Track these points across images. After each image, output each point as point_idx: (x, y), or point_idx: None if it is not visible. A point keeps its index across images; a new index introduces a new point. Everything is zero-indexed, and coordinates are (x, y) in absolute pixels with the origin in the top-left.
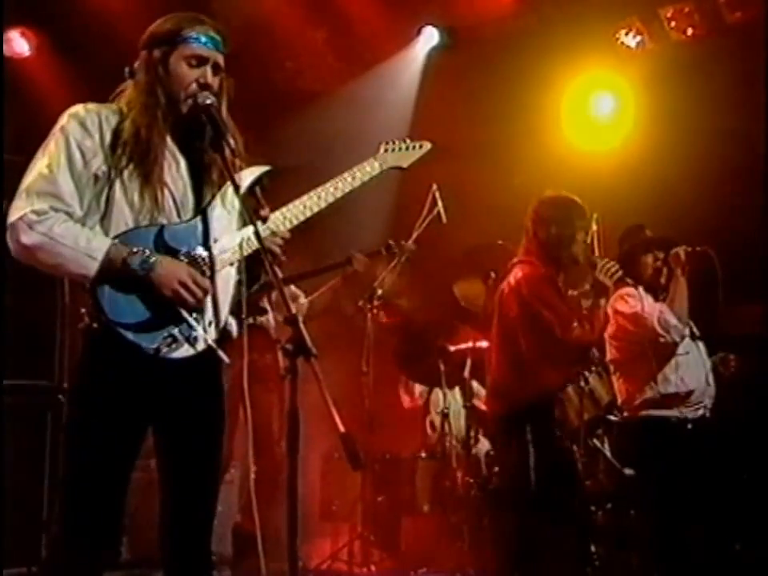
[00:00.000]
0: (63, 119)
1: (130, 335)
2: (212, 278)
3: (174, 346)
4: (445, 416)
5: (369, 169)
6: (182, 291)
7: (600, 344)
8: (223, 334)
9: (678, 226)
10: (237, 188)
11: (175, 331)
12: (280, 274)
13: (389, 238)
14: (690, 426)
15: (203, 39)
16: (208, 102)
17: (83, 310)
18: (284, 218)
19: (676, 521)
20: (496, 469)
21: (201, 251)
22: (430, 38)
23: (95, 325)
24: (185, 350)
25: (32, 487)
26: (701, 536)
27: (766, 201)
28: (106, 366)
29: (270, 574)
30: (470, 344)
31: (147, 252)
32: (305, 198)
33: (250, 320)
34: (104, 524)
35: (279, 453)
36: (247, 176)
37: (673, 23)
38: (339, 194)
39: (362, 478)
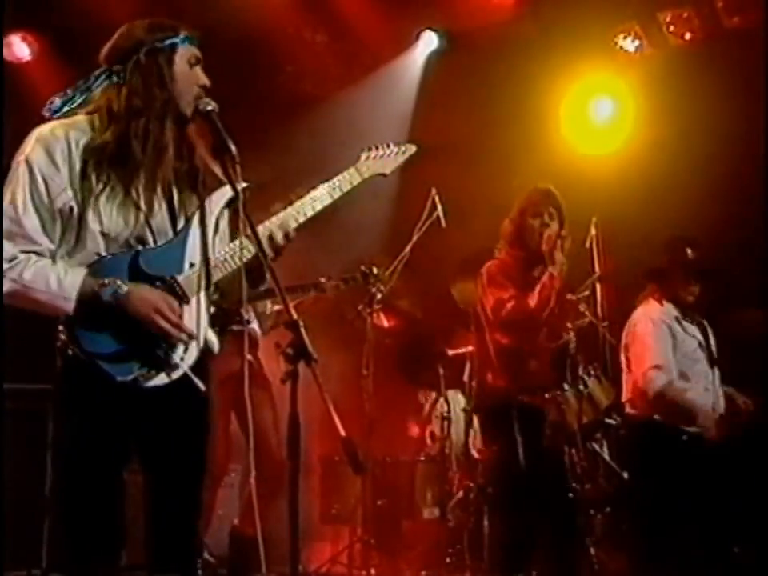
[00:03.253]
0: (29, 145)
1: (104, 365)
2: (188, 302)
3: (151, 373)
4: (445, 419)
5: (349, 179)
6: (158, 319)
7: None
8: (204, 353)
9: (677, 229)
10: (237, 194)
11: (151, 360)
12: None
13: (362, 265)
14: (684, 438)
15: (195, 41)
16: (209, 108)
17: (60, 327)
18: (264, 233)
19: (674, 524)
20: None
21: (177, 277)
22: (429, 42)
23: (70, 352)
24: (161, 379)
25: (33, 491)
26: (698, 538)
27: (765, 205)
28: (82, 393)
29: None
30: (470, 348)
31: (118, 282)
32: (282, 213)
33: (237, 325)
34: (103, 542)
35: (277, 454)
36: (217, 199)
37: (671, 28)
38: (319, 207)
39: (362, 482)
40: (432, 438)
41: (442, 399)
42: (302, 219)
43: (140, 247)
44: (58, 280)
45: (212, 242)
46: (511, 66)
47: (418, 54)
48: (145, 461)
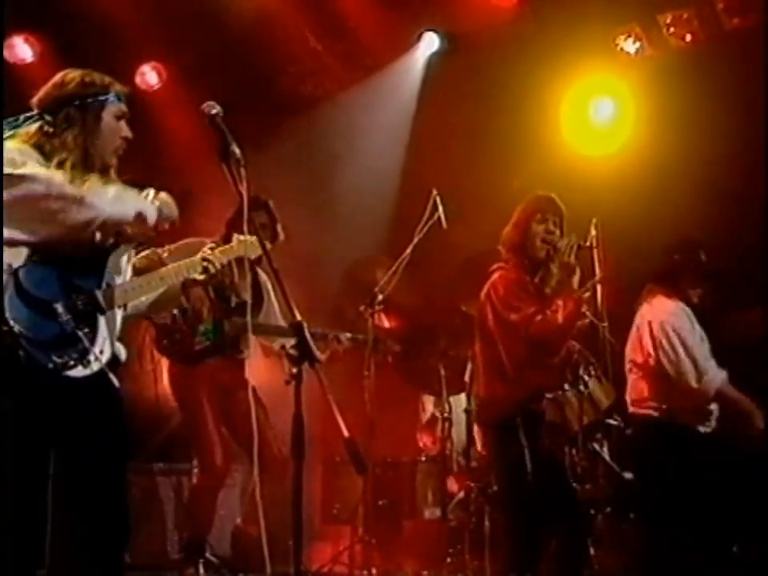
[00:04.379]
0: None
1: (36, 351)
2: (103, 314)
3: (70, 364)
4: (446, 420)
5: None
6: None
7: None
8: (114, 359)
9: (677, 230)
10: (242, 198)
11: (73, 353)
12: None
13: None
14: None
15: (123, 98)
16: (213, 111)
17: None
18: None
19: (674, 523)
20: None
21: (97, 292)
22: (430, 43)
23: (8, 339)
24: (79, 371)
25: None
26: (699, 538)
27: (766, 205)
28: (11, 373)
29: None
30: (471, 349)
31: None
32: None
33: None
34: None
35: (274, 447)
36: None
37: (672, 29)
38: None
39: (363, 482)
40: (433, 442)
41: (443, 400)
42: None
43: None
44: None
45: (124, 270)
46: (512, 67)
47: (419, 55)
48: (58, 454)
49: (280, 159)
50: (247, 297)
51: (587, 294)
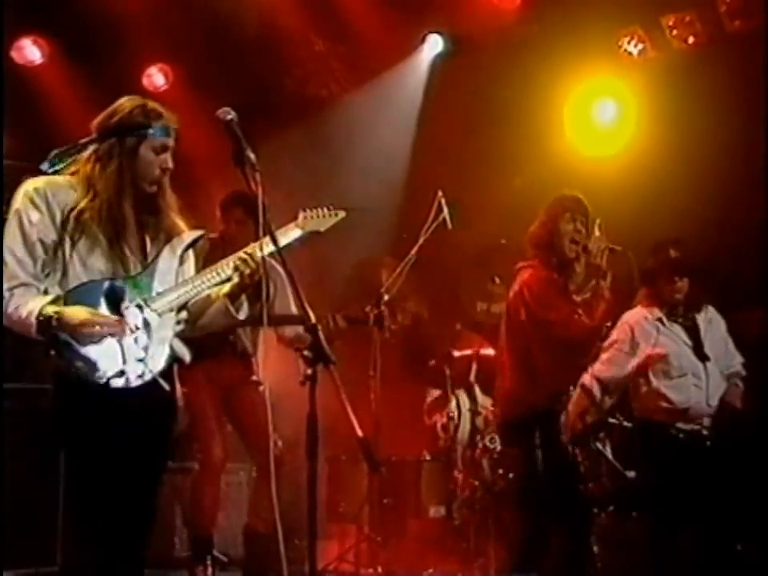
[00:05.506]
0: (18, 200)
1: (84, 368)
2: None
3: (123, 377)
4: (451, 419)
5: (291, 233)
6: (88, 329)
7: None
8: (171, 363)
9: (678, 231)
10: (256, 201)
11: (126, 365)
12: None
13: (362, 306)
14: (681, 436)
15: (168, 131)
16: (229, 117)
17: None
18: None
19: (677, 522)
20: (500, 471)
21: (141, 302)
22: (434, 45)
23: (60, 362)
24: (134, 382)
25: (45, 490)
26: (702, 536)
27: (766, 206)
28: (71, 400)
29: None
30: (475, 349)
31: (48, 310)
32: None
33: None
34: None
35: (277, 448)
36: (185, 238)
37: (674, 31)
38: (266, 253)
39: (369, 481)
40: (444, 430)
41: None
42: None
43: (116, 277)
44: (28, 311)
45: (176, 272)
46: (515, 68)
47: (424, 57)
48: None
49: (285, 160)
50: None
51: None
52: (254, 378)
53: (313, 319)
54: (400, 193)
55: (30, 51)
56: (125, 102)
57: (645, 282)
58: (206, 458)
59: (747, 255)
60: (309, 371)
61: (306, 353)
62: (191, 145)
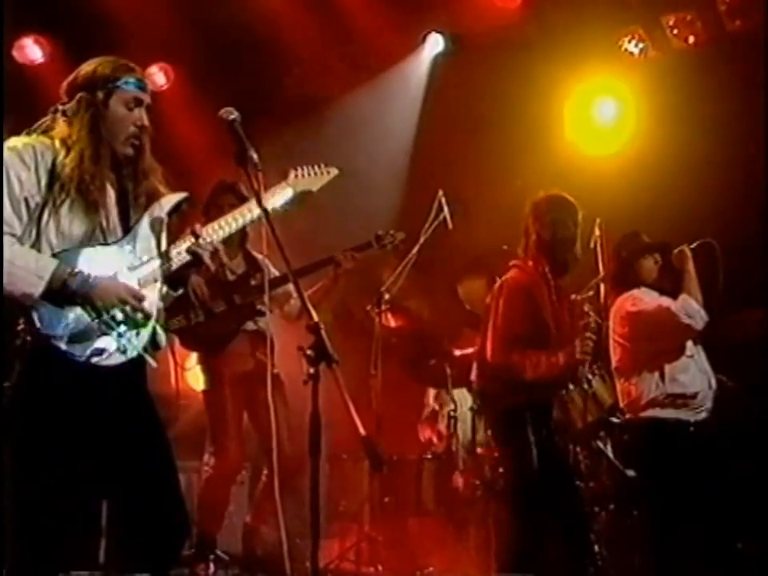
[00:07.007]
0: (6, 156)
1: (62, 345)
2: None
3: (104, 355)
4: (452, 418)
5: (282, 193)
6: (124, 306)
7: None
8: (153, 343)
9: (679, 230)
10: (260, 201)
11: (105, 342)
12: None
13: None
14: (691, 429)
15: (140, 85)
16: (231, 117)
17: (19, 327)
18: (212, 231)
19: (678, 521)
20: (501, 470)
21: (126, 272)
22: (435, 44)
23: (29, 338)
24: (115, 359)
25: None
26: (702, 535)
27: (766, 206)
28: (44, 377)
29: (279, 573)
30: (476, 348)
31: (86, 273)
32: (228, 216)
33: (252, 325)
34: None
35: (287, 448)
36: (166, 203)
37: (675, 31)
38: (256, 215)
39: (369, 479)
40: (439, 437)
41: (448, 398)
42: (240, 223)
43: (94, 245)
44: (36, 260)
45: (158, 239)
46: (516, 67)
47: (424, 57)
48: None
49: (285, 160)
50: (241, 270)
51: (590, 293)
52: (276, 371)
53: (315, 318)
54: (400, 192)
55: (31, 50)
56: (92, 60)
57: (620, 277)
58: (221, 461)
59: (747, 255)
60: (311, 370)
61: (308, 352)
62: (191, 143)
